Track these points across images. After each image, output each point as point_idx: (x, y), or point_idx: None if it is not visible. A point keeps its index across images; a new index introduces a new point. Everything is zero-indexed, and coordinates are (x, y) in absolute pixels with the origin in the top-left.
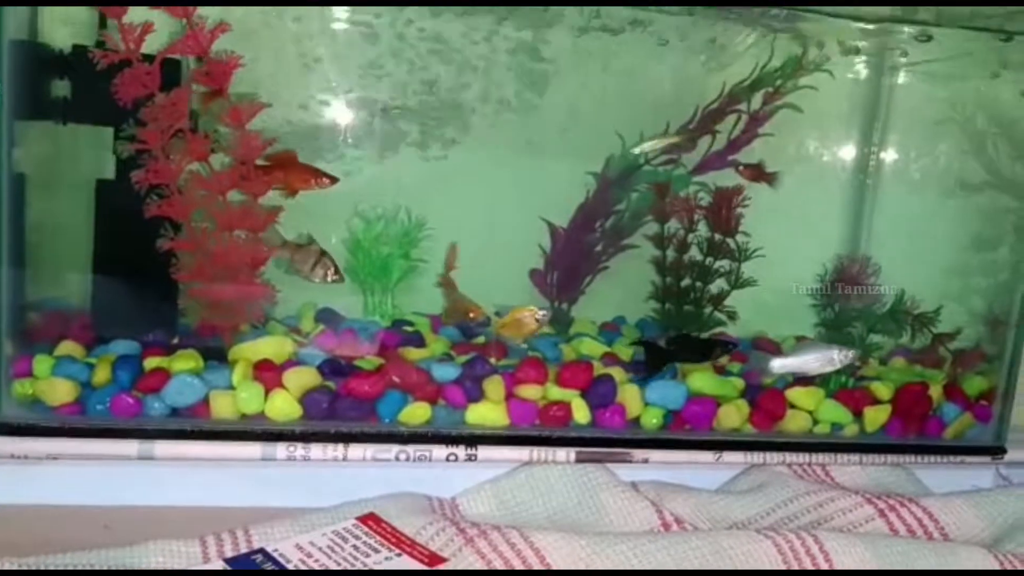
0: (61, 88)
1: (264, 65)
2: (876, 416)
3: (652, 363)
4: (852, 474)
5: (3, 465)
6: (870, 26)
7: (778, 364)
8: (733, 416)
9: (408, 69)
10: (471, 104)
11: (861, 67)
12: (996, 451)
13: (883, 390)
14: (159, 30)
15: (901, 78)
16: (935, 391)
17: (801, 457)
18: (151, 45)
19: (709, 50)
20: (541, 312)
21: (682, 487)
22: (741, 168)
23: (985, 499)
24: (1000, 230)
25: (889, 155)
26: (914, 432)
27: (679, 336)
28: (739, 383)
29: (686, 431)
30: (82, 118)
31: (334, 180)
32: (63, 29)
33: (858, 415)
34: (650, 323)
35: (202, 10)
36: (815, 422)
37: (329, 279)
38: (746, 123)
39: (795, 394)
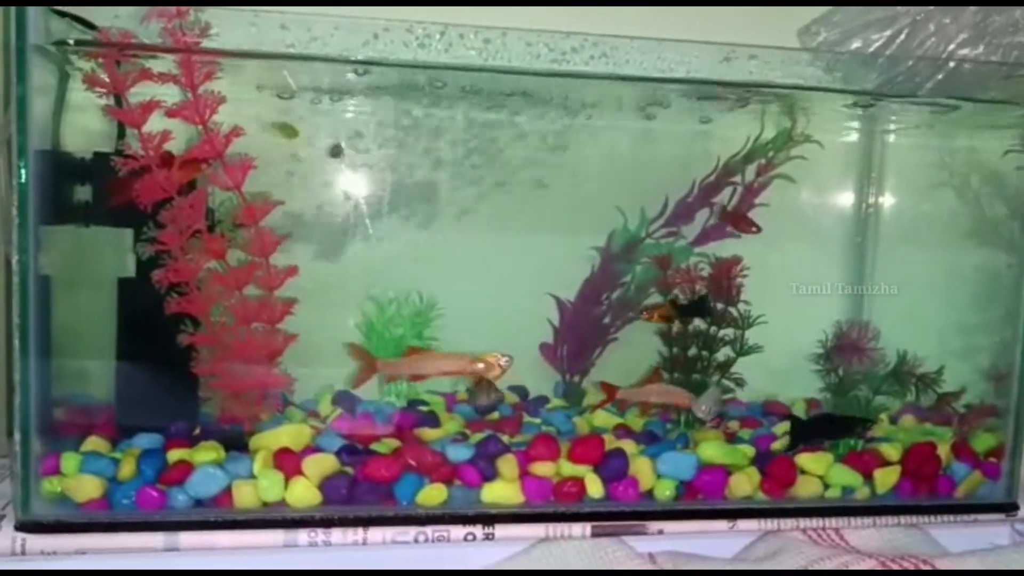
0: (83, 193)
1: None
2: (886, 477)
3: (797, 437)
4: (867, 536)
5: (33, 561)
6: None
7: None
8: (744, 484)
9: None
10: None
11: (853, 132)
12: (1009, 508)
13: (892, 451)
14: (176, 135)
15: (892, 139)
16: (943, 450)
17: (815, 522)
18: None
19: (702, 126)
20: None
21: (699, 556)
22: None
23: (1000, 557)
24: (999, 285)
25: (885, 216)
26: (925, 492)
27: (823, 415)
28: (749, 451)
29: (699, 501)
30: (103, 221)
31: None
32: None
33: (868, 477)
34: None
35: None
36: (826, 486)
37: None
38: (742, 194)
39: (804, 460)
